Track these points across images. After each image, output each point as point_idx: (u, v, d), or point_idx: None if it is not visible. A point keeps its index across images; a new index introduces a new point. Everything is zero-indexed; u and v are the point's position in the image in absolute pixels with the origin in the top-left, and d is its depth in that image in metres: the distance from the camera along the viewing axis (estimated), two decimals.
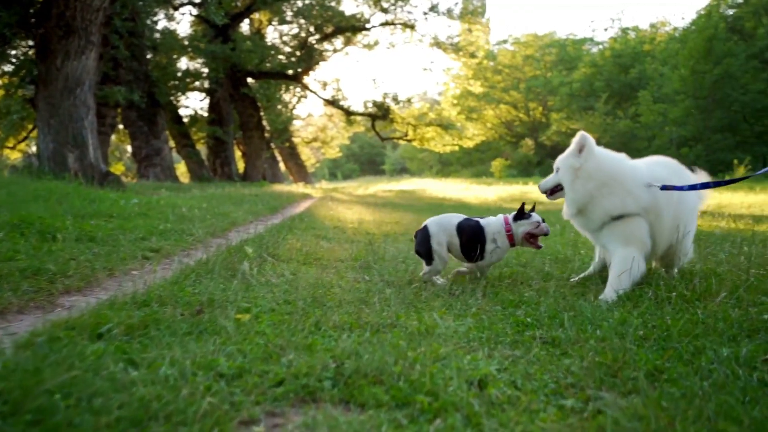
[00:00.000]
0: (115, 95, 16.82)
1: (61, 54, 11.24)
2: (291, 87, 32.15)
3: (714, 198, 4.12)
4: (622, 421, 1.72)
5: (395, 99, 30.26)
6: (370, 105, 30.47)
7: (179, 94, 27.03)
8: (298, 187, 23.60)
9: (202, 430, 1.64)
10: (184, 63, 26.43)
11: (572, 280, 3.87)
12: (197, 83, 27.15)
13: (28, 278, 3.46)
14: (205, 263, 4.02)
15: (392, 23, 29.16)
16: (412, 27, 29.12)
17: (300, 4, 27.45)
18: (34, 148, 21.87)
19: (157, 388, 1.83)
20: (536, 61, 52.78)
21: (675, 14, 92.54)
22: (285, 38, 29.90)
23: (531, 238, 3.83)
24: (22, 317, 2.90)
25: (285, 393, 1.91)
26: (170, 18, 29.06)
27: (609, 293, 3.28)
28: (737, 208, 11.09)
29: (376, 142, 54.56)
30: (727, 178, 4.66)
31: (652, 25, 51.45)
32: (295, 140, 37.08)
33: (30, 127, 21.97)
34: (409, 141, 33.21)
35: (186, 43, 24.88)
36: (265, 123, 29.62)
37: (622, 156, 3.67)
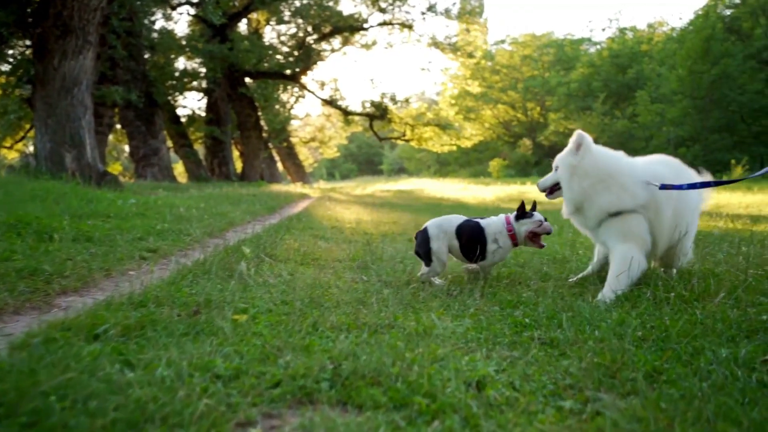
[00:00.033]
0: (112, 95, 16.81)
1: (58, 53, 11.22)
2: (289, 87, 32.16)
3: (712, 198, 4.11)
4: (621, 422, 1.71)
5: (393, 99, 30.28)
6: (368, 105, 30.48)
7: (177, 93, 27.05)
8: (296, 187, 23.61)
9: None
10: (181, 63, 26.47)
11: (570, 280, 3.86)
12: (195, 83, 27.16)
13: (25, 279, 3.45)
14: (202, 263, 4.01)
15: (390, 23, 29.17)
16: (409, 27, 29.13)
17: (298, 3, 27.46)
18: (31, 148, 21.79)
19: (153, 389, 1.82)
20: (534, 61, 52.84)
21: (672, 14, 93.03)
22: (283, 38, 29.92)
23: (534, 237, 3.83)
24: (18, 318, 2.89)
25: (282, 394, 1.90)
26: (168, 18, 29.04)
27: (607, 293, 3.28)
28: (735, 208, 11.11)
29: (374, 142, 54.66)
30: (724, 178, 4.65)
31: (650, 26, 51.58)
32: (293, 140, 37.09)
33: (27, 126, 21.94)
34: (407, 141, 33.22)
35: (184, 42, 24.86)
36: (262, 123, 29.61)
37: (620, 154, 3.67)
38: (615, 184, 3.46)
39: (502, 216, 3.91)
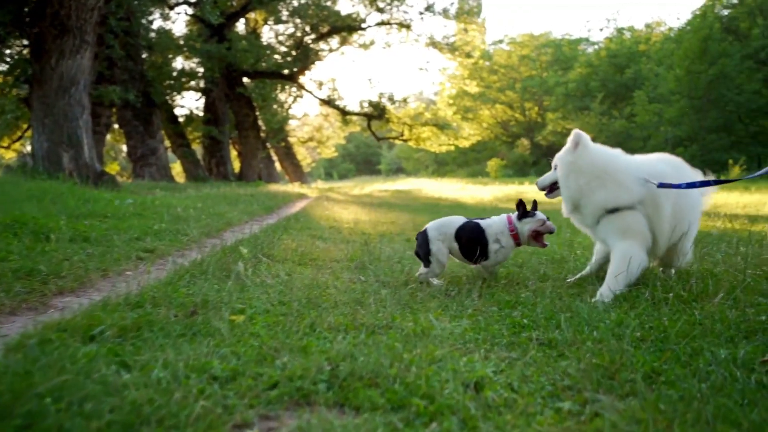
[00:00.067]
0: (110, 95, 16.79)
1: (55, 53, 11.19)
2: (287, 87, 32.15)
3: (709, 198, 4.11)
4: (620, 424, 1.70)
5: (391, 99, 30.31)
6: (366, 105, 30.51)
7: (175, 93, 27.03)
8: (294, 187, 23.62)
9: None
10: (179, 62, 26.46)
11: (569, 280, 3.85)
12: (193, 83, 27.15)
13: (21, 279, 3.43)
14: (199, 264, 4.00)
15: (388, 23, 29.19)
16: (407, 27, 29.15)
17: (296, 3, 27.46)
18: (28, 148, 21.77)
19: (149, 391, 1.81)
20: (532, 61, 52.91)
21: (670, 14, 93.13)
22: (281, 38, 29.93)
23: (537, 237, 3.82)
24: (15, 319, 2.87)
25: (279, 396, 1.89)
26: (165, 17, 28.94)
27: (605, 292, 3.27)
28: (733, 208, 11.12)
29: (372, 141, 54.64)
30: (722, 178, 4.63)
31: (648, 26, 51.70)
32: (291, 140, 37.07)
33: (25, 126, 21.90)
34: (405, 141, 33.25)
35: (181, 42, 24.84)
36: (260, 123, 29.60)
37: (618, 151, 3.67)
38: (610, 180, 3.46)
39: (503, 216, 3.90)
